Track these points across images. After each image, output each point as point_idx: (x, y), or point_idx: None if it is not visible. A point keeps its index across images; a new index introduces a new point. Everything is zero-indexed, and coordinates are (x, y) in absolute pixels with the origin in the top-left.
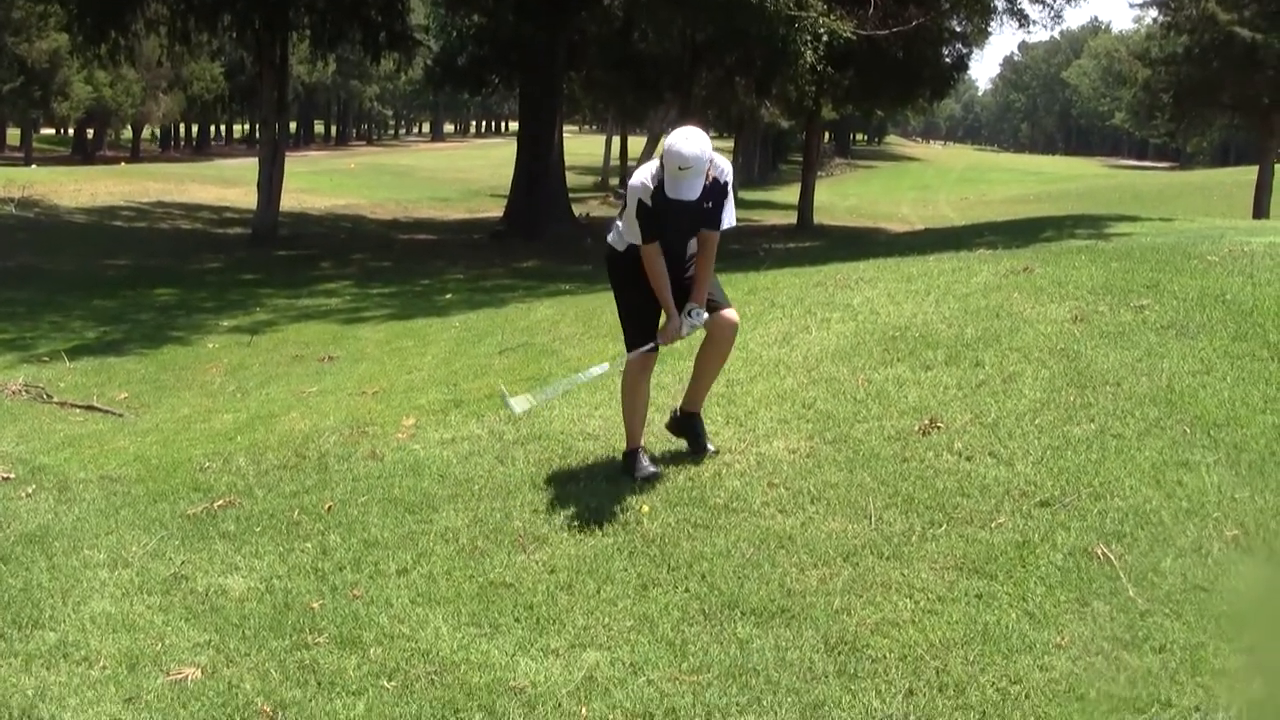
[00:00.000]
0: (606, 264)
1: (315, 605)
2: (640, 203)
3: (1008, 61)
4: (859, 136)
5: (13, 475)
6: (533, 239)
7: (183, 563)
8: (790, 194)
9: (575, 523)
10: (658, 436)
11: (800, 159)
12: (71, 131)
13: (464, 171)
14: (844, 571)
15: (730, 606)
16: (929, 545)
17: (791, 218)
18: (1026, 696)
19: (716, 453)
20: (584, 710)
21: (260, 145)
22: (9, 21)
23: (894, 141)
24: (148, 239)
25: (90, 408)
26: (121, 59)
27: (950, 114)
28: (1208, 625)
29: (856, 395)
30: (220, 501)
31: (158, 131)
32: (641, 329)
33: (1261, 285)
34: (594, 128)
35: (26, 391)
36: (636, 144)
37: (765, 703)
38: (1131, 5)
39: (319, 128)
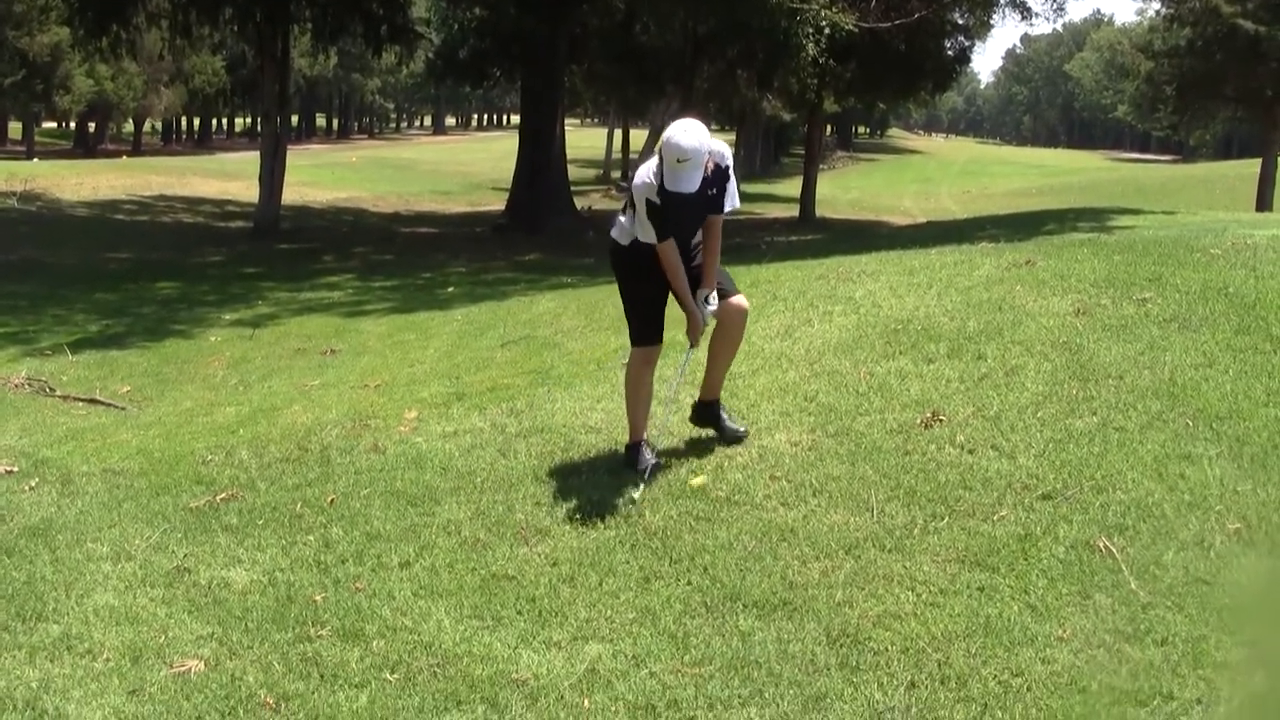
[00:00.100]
0: (610, 258)
1: (318, 598)
2: (649, 202)
3: (1010, 54)
4: (861, 129)
5: (16, 469)
6: (534, 232)
7: (185, 555)
8: (792, 187)
9: (577, 515)
10: (661, 430)
11: (802, 152)
12: (73, 125)
13: (466, 165)
14: (846, 564)
15: (732, 599)
16: (931, 538)
17: (793, 211)
18: (1028, 689)
19: (746, 433)
20: (586, 702)
21: (262, 139)
22: (10, 15)
23: (896, 134)
24: (149, 232)
25: (93, 401)
26: (123, 52)
27: (952, 107)
28: (1210, 618)
29: (859, 388)
30: (223, 494)
31: (159, 125)
32: (647, 322)
33: (1264, 278)
34: (596, 121)
35: (29, 385)
36: (638, 137)
37: (767, 695)
38: None
39: (320, 121)
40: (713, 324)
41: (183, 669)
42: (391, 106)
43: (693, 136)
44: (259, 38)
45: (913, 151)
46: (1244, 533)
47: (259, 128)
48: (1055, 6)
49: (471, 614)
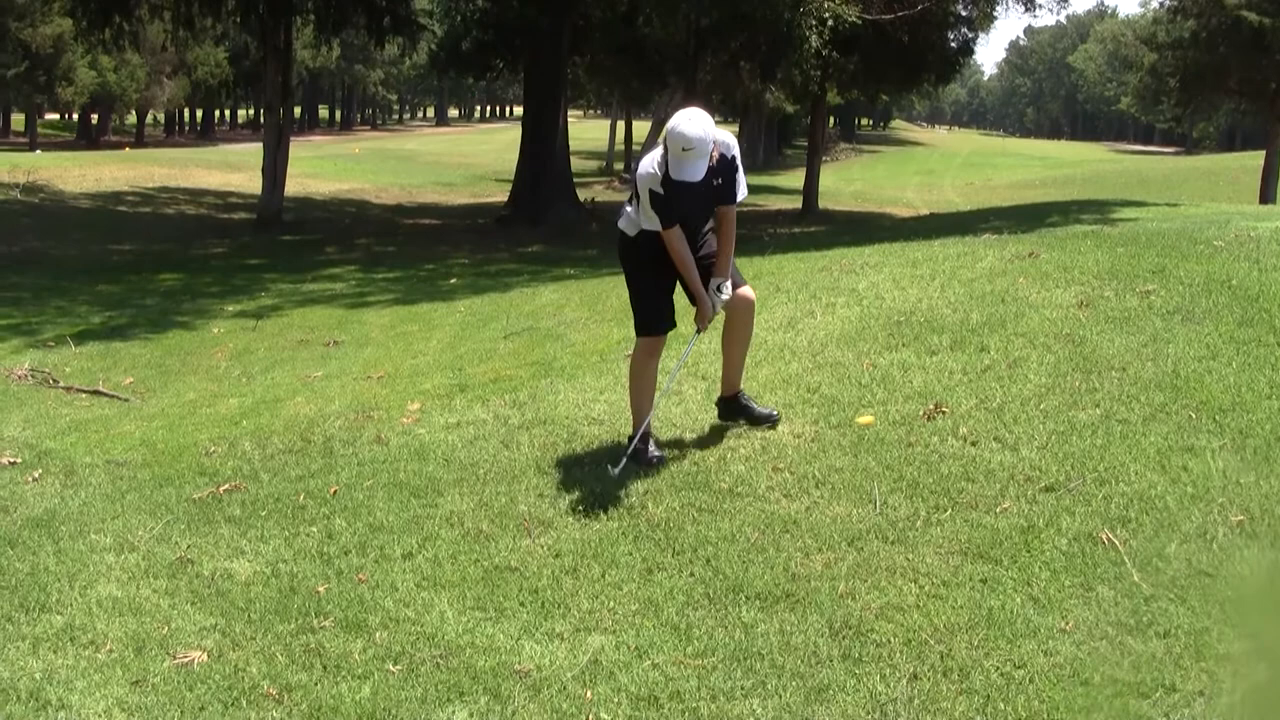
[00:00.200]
0: (618, 249)
1: (321, 589)
2: (652, 192)
3: (1013, 46)
4: (864, 121)
5: (19, 460)
6: (537, 224)
7: (188, 547)
8: (795, 179)
9: (580, 507)
10: (663, 421)
11: (805, 144)
12: (76, 117)
13: (468, 156)
14: (849, 556)
15: (735, 591)
16: (934, 530)
17: (796, 203)
18: (1030, 681)
19: (779, 417)
20: (589, 694)
21: (265, 130)
22: (12, 6)
23: (899, 126)
24: (152, 224)
25: (96, 392)
26: (125, 44)
27: (955, 99)
28: (1212, 610)
29: (861, 380)
30: (226, 486)
31: (161, 117)
32: (653, 313)
33: (1268, 270)
34: (599, 112)
35: (32, 376)
36: (641, 128)
37: (770, 686)
38: None
39: (323, 112)
40: (722, 315)
41: (185, 660)
42: (394, 98)
43: (697, 125)
44: (262, 29)
45: (916, 143)
46: (1247, 525)
47: (262, 119)
48: None
49: (474, 605)
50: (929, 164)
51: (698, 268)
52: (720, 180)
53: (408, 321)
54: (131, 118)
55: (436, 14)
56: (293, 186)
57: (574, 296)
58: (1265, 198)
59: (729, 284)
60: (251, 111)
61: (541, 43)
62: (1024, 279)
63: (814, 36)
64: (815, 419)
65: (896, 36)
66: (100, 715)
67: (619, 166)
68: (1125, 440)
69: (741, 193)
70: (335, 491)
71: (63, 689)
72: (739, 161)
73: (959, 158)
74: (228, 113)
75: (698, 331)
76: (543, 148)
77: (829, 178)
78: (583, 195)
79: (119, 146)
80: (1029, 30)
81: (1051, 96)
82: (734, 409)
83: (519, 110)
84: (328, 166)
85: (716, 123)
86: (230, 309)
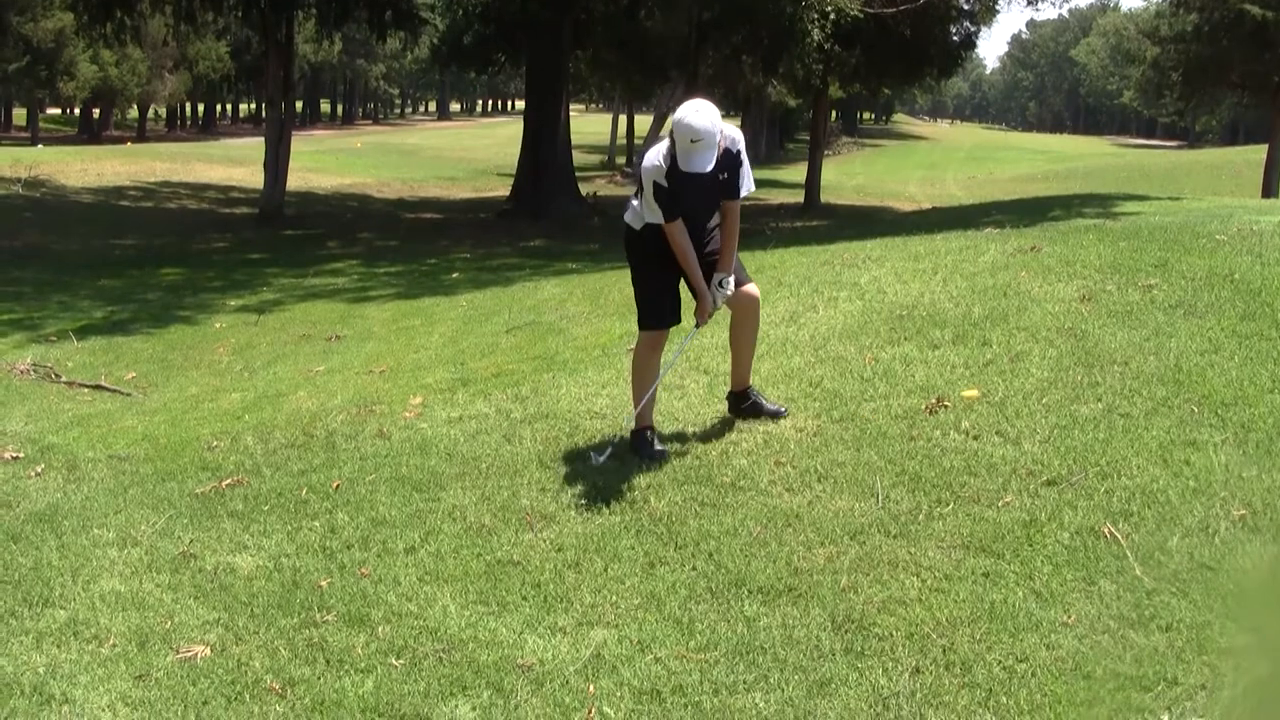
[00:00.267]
0: (624, 242)
1: (323, 583)
2: (656, 185)
3: (1016, 40)
4: (866, 115)
5: (21, 454)
6: (539, 218)
7: (191, 541)
8: (797, 173)
9: (582, 501)
10: (665, 415)
11: (807, 138)
12: (78, 111)
13: (470, 150)
14: (851, 550)
15: (737, 585)
16: (936, 524)
17: (798, 196)
18: (1033, 674)
19: (786, 412)
20: (591, 688)
21: (266, 124)
22: (14, 0)
23: (901, 120)
24: (154, 219)
25: (98, 387)
26: (127, 38)
27: (958, 93)
28: (1214, 604)
29: (864, 374)
30: (228, 480)
31: (163, 111)
32: (657, 307)
33: (1270, 265)
34: (601, 106)
35: (34, 371)
36: (643, 122)
37: (772, 680)
38: None
39: (325, 107)
40: (722, 310)
41: (189, 654)
42: (396, 92)
43: (705, 117)
44: (263, 23)
45: (918, 137)
46: (1249, 519)
47: (263, 114)
48: None
49: (477, 599)
50: (931, 158)
51: (703, 265)
52: (725, 174)
53: (410, 316)
54: (133, 112)
55: (438, 8)
56: (294, 181)
57: (576, 291)
58: (1268, 191)
59: (731, 279)
60: (253, 106)
61: (543, 37)
62: (1026, 273)
63: (816, 30)
64: (817, 413)
65: (898, 30)
66: (103, 710)
67: (621, 160)
68: (1127, 434)
69: (747, 187)
70: (338, 486)
71: (66, 683)
72: (744, 156)
73: (961, 152)
74: (229, 107)
75: (696, 326)
76: (544, 142)
77: (831, 172)
78: (584, 189)
79: (120, 141)
80: (1031, 24)
81: (1054, 90)
82: (744, 404)
83: (521, 104)
84: (329, 161)
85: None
86: (232, 304)
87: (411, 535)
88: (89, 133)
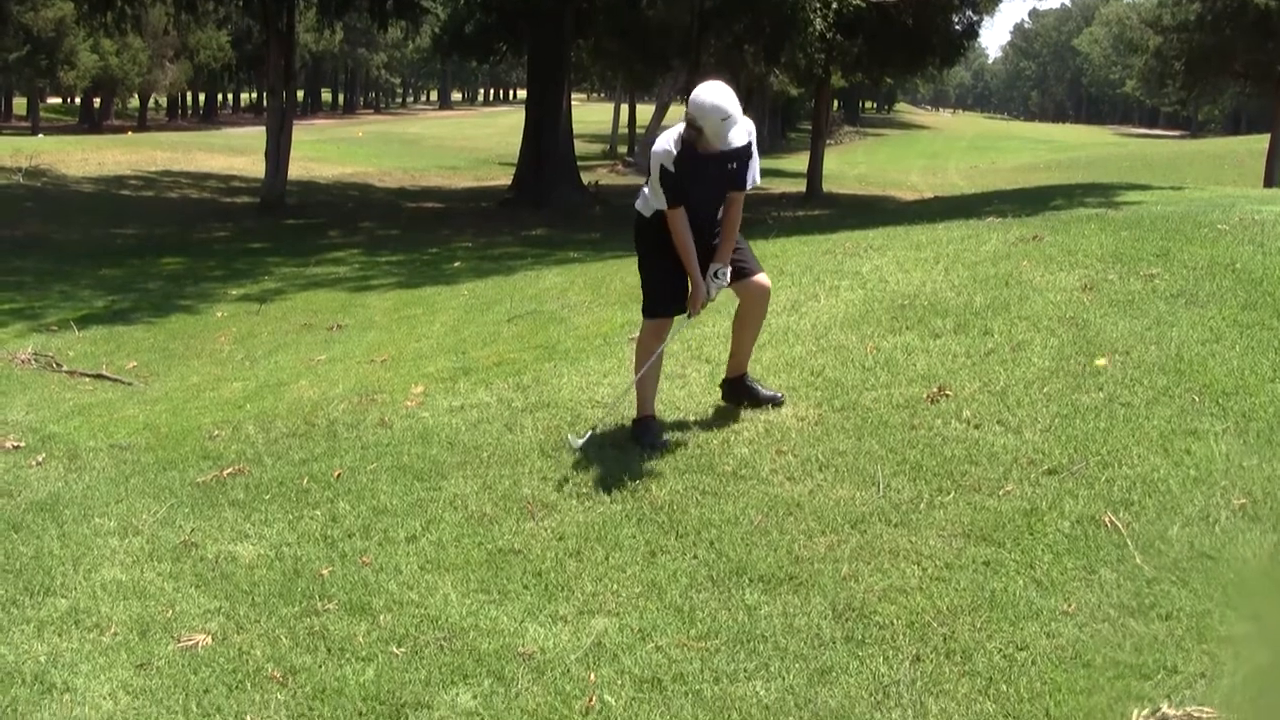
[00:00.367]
0: (634, 229)
1: (324, 572)
2: (663, 168)
3: (1018, 29)
4: (868, 104)
5: (23, 444)
6: (541, 207)
7: (193, 530)
8: (799, 162)
9: (583, 490)
10: (666, 404)
11: (809, 127)
12: (78, 101)
13: (472, 140)
14: (852, 539)
15: (738, 573)
16: (937, 513)
17: (800, 186)
18: (1033, 663)
19: (783, 399)
20: (592, 676)
21: (268, 114)
22: None
23: (903, 109)
24: (155, 208)
25: (99, 376)
26: (127, 27)
27: (960, 82)
28: (1214, 593)
29: (865, 363)
30: (230, 469)
31: (164, 101)
32: (664, 296)
33: (1272, 254)
34: (602, 96)
35: (35, 360)
36: (645, 112)
37: (773, 669)
38: None
39: (326, 96)
40: (717, 299)
41: (190, 643)
42: (398, 82)
43: (728, 95)
44: (264, 12)
45: (920, 127)
46: (1249, 508)
47: (265, 103)
48: None
49: (478, 588)
50: (933, 147)
51: (709, 254)
52: (735, 164)
53: (411, 305)
54: (134, 101)
55: None
56: (296, 170)
57: (577, 280)
58: (1270, 181)
59: (728, 270)
60: (254, 95)
61: (545, 26)
62: (1028, 262)
63: (818, 19)
64: (819, 402)
65: (900, 19)
66: (105, 698)
67: (623, 150)
68: (1128, 423)
69: (754, 179)
70: (339, 475)
71: (67, 672)
72: (755, 148)
73: (963, 141)
74: (230, 96)
75: (689, 315)
76: (546, 131)
77: (833, 161)
78: (586, 179)
79: (121, 130)
80: (1033, 13)
81: (1056, 80)
82: (739, 390)
83: (523, 93)
84: (331, 150)
85: None
86: (233, 293)
87: (413, 524)
88: (90, 122)
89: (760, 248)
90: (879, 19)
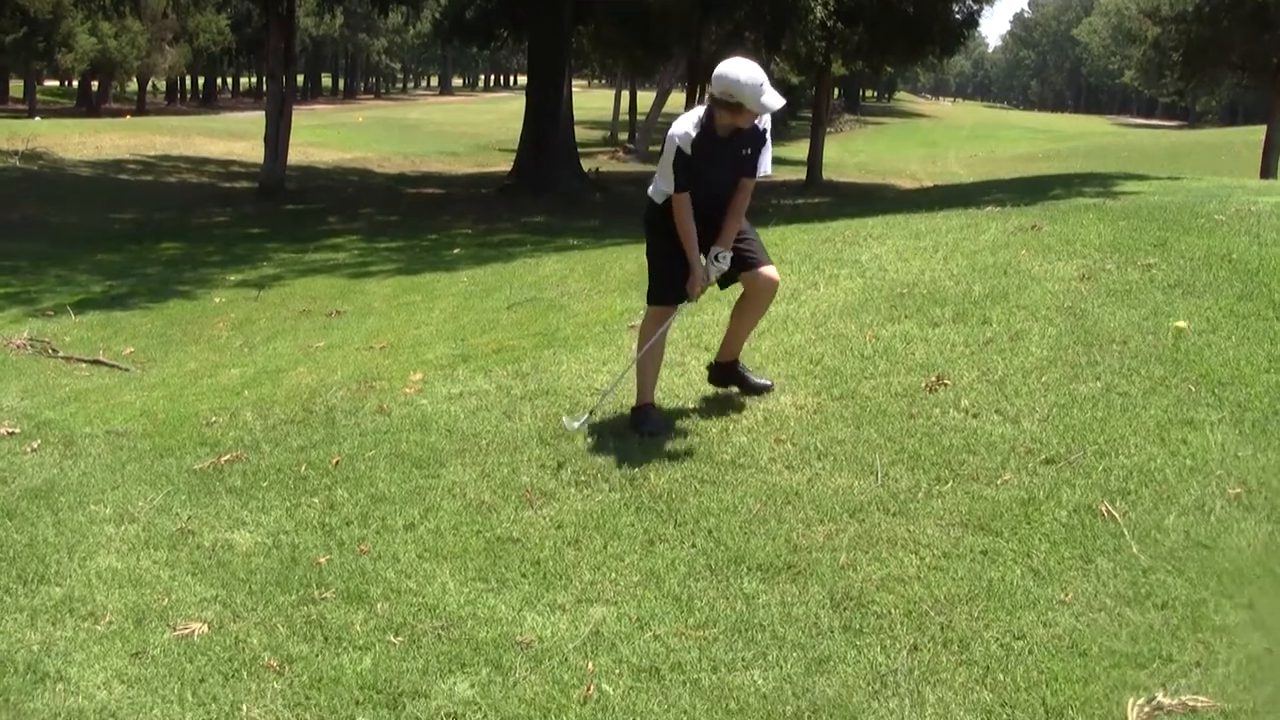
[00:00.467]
0: (645, 214)
1: (322, 560)
2: (679, 151)
3: (1018, 18)
4: (868, 93)
5: (18, 430)
6: (541, 194)
7: (189, 518)
8: (799, 150)
9: (582, 478)
10: (665, 393)
11: (809, 115)
12: (76, 84)
13: (472, 125)
14: (850, 527)
15: (736, 562)
16: (935, 502)
17: (800, 174)
18: (1030, 652)
19: (772, 386)
20: (590, 664)
21: (267, 98)
22: None
23: (903, 98)
24: (153, 192)
25: (96, 362)
26: (126, 10)
27: (960, 71)
28: (1209, 582)
29: (864, 352)
30: (227, 456)
31: (163, 84)
32: (668, 282)
33: (1268, 245)
34: (603, 82)
35: (31, 346)
36: (646, 99)
37: (771, 657)
38: None
39: (326, 81)
40: (714, 284)
41: (186, 631)
42: (398, 67)
43: (753, 67)
44: None
45: (920, 115)
46: (1244, 498)
47: (264, 87)
48: None
49: (476, 576)
50: (933, 136)
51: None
52: (749, 150)
53: (410, 291)
54: (132, 85)
55: None
56: (295, 155)
57: (577, 267)
58: (1266, 172)
59: (728, 254)
60: (254, 79)
61: (545, 12)
62: (1026, 251)
63: (819, 7)
64: (818, 390)
65: (901, 8)
66: (99, 687)
67: (623, 137)
68: (1125, 413)
69: (765, 168)
70: (337, 462)
71: (61, 661)
72: (769, 136)
73: (963, 130)
74: (230, 80)
75: (688, 300)
76: (547, 117)
77: (833, 149)
78: (586, 165)
79: (120, 114)
80: (1033, 3)
81: (1055, 69)
82: (730, 375)
83: (523, 80)
84: (331, 135)
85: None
86: (232, 278)
87: (411, 512)
88: (87, 105)
89: (760, 235)
90: (880, 7)
